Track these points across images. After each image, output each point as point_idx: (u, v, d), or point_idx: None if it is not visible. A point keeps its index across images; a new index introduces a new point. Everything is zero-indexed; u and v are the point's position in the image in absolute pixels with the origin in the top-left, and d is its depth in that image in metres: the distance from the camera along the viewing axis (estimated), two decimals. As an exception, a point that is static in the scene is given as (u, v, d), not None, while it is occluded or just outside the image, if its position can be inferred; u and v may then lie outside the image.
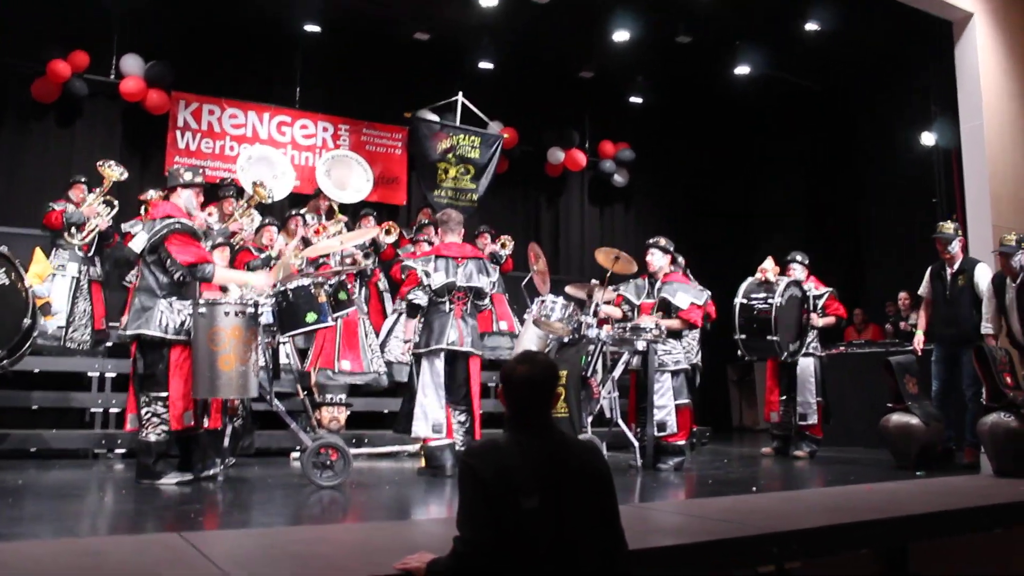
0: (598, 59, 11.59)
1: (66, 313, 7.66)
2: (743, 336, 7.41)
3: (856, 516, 4.05)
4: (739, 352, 7.63)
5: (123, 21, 9.64)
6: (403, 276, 6.76)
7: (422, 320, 6.35)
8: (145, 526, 4.04)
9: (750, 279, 7.60)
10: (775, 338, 7.22)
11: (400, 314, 8.62)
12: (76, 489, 5.30)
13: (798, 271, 8.01)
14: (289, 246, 7.91)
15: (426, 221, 9.43)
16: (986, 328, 6.91)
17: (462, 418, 6.30)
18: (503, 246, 9.56)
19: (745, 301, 7.44)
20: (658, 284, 6.95)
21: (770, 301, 7.25)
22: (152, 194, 7.96)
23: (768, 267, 7.62)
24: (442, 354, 6.17)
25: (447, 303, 6.23)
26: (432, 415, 6.09)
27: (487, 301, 6.69)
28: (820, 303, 8.02)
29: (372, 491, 5.49)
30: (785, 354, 7.44)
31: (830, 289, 8.14)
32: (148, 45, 9.66)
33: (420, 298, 6.21)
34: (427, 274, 6.19)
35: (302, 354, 7.91)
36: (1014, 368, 6.61)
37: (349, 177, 9.72)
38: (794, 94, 12.15)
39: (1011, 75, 9.32)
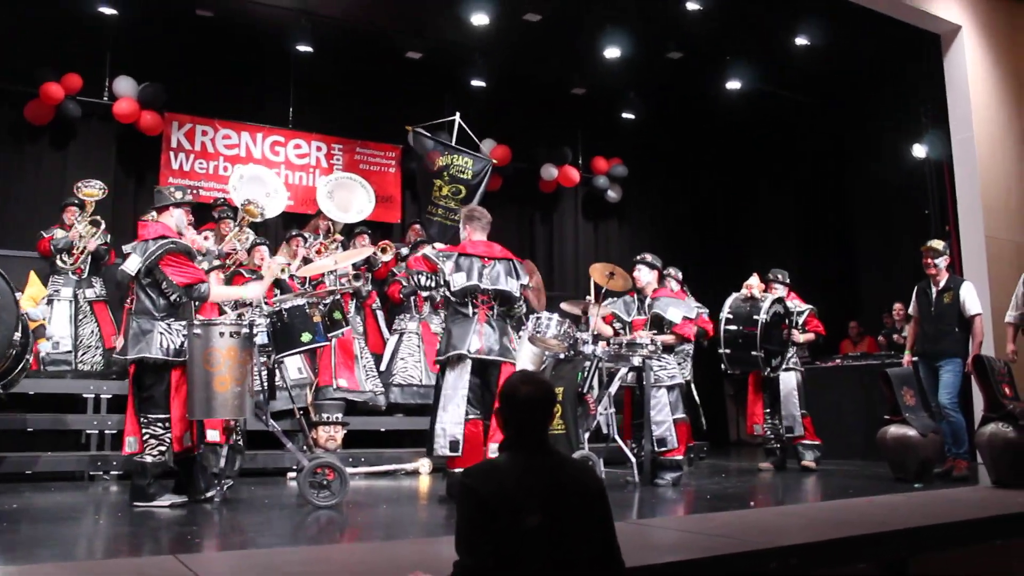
0: (590, 76, 11.64)
1: (72, 337, 7.69)
2: (728, 351, 7.49)
3: (855, 530, 4.04)
4: (722, 366, 7.68)
5: (116, 43, 9.65)
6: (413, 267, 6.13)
7: (443, 327, 5.91)
8: (141, 549, 4.00)
9: (735, 295, 7.68)
10: (759, 353, 7.31)
11: (401, 334, 8.61)
12: (72, 512, 5.27)
13: (779, 289, 8.14)
14: (275, 262, 7.87)
15: (419, 239, 9.41)
16: (1011, 316, 6.97)
17: None
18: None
19: (731, 316, 7.52)
20: (648, 300, 6.95)
21: (755, 317, 7.32)
22: (153, 214, 7.96)
23: (753, 283, 7.74)
24: (468, 363, 5.63)
25: (469, 307, 5.73)
26: (450, 431, 5.56)
27: (516, 310, 6.10)
28: (801, 319, 8.09)
29: (369, 511, 5.47)
30: (768, 369, 7.56)
31: (810, 307, 8.28)
32: (141, 66, 9.67)
33: (428, 279, 5.71)
34: (443, 272, 5.67)
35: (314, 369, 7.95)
36: (1012, 379, 6.63)
37: (352, 199, 9.72)
38: (785, 108, 12.20)
39: (1000, 86, 9.40)
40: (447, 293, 5.79)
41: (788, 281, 8.30)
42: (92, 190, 7.74)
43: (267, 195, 9.41)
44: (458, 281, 5.67)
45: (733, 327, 7.46)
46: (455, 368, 5.67)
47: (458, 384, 5.63)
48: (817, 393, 8.42)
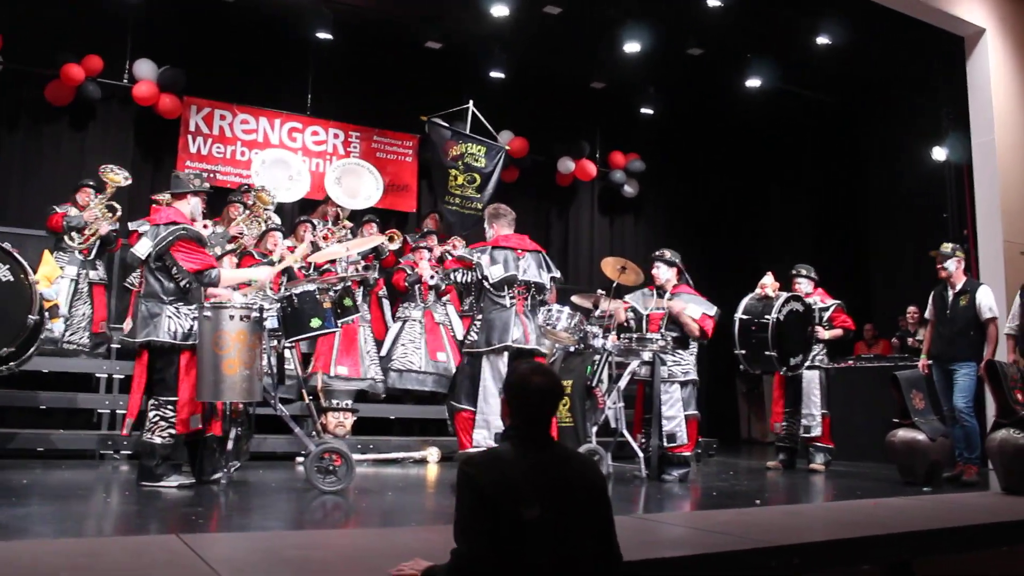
0: (609, 70, 11.60)
1: (64, 316, 7.69)
2: (743, 351, 7.45)
3: (860, 531, 4.02)
4: (740, 366, 7.66)
5: (136, 26, 9.69)
6: (444, 268, 6.31)
7: (479, 318, 5.90)
8: (145, 528, 4.04)
9: (750, 295, 7.63)
10: (772, 353, 7.25)
11: (404, 321, 8.62)
12: (80, 489, 5.32)
13: (804, 285, 8.04)
14: (297, 251, 7.89)
15: (431, 228, 9.43)
16: (1010, 328, 6.91)
17: None
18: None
19: (745, 317, 7.48)
20: (667, 296, 6.93)
21: (767, 317, 7.26)
22: (166, 196, 7.97)
23: (768, 282, 7.67)
24: (506, 354, 5.71)
25: (507, 298, 5.80)
26: (494, 423, 5.58)
27: (547, 296, 6.25)
28: (826, 315, 8.00)
29: (375, 497, 5.49)
30: (784, 368, 7.47)
31: (837, 302, 8.12)
32: (161, 50, 9.73)
33: (464, 275, 5.81)
34: (480, 266, 5.76)
35: (305, 359, 7.92)
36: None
37: (360, 185, 9.75)
38: (805, 108, 12.13)
39: (1023, 90, 9.29)
40: (486, 285, 5.82)
41: (814, 276, 8.17)
42: (116, 176, 7.73)
43: (290, 178, 9.46)
44: (496, 273, 5.77)
45: (748, 327, 7.43)
46: (492, 359, 5.72)
47: (497, 376, 5.67)
48: (830, 394, 8.36)
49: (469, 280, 5.88)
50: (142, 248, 5.39)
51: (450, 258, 8.80)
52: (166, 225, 5.44)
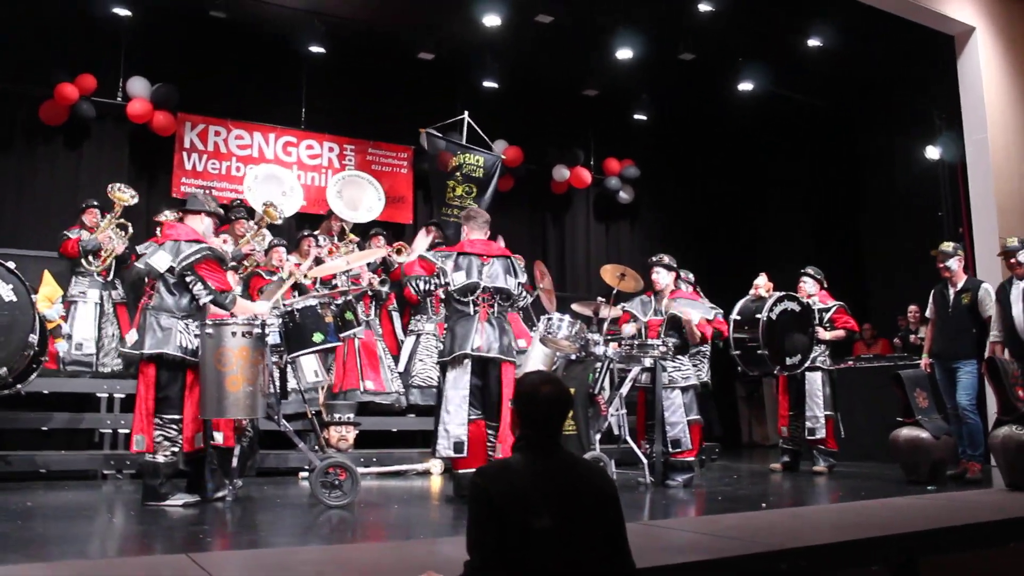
0: (601, 77, 11.63)
1: (94, 339, 7.74)
2: (738, 352, 7.53)
3: (866, 532, 4.03)
4: (738, 368, 7.69)
5: (129, 44, 9.71)
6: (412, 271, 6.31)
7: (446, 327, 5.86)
8: (153, 547, 4.03)
9: (745, 297, 7.70)
10: (764, 352, 7.30)
11: (418, 335, 8.62)
12: (85, 510, 5.31)
13: (808, 286, 8.08)
14: (303, 267, 7.90)
15: (437, 240, 9.43)
16: (994, 336, 6.91)
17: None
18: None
19: (738, 318, 7.54)
20: (665, 301, 6.94)
21: (758, 316, 7.29)
22: (168, 215, 7.96)
23: (760, 283, 7.75)
24: (468, 363, 5.62)
25: (471, 306, 5.72)
26: (454, 432, 5.55)
27: (518, 304, 6.15)
28: (827, 316, 8.02)
29: (381, 511, 5.48)
30: (777, 367, 7.52)
31: (838, 303, 8.14)
32: (154, 67, 9.73)
33: (426, 283, 5.68)
34: (444, 272, 5.68)
35: (329, 372, 7.96)
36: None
37: (361, 197, 9.75)
38: (798, 110, 12.16)
39: (1014, 87, 9.35)
40: (450, 292, 5.77)
41: (820, 278, 8.20)
42: (123, 195, 7.74)
43: (283, 194, 9.46)
44: (458, 279, 5.71)
45: (741, 328, 7.48)
46: (455, 368, 5.66)
47: (458, 384, 5.63)
48: (835, 396, 8.35)
49: (431, 288, 5.77)
50: (162, 261, 5.33)
51: (398, 265, 8.82)
52: (188, 243, 5.41)
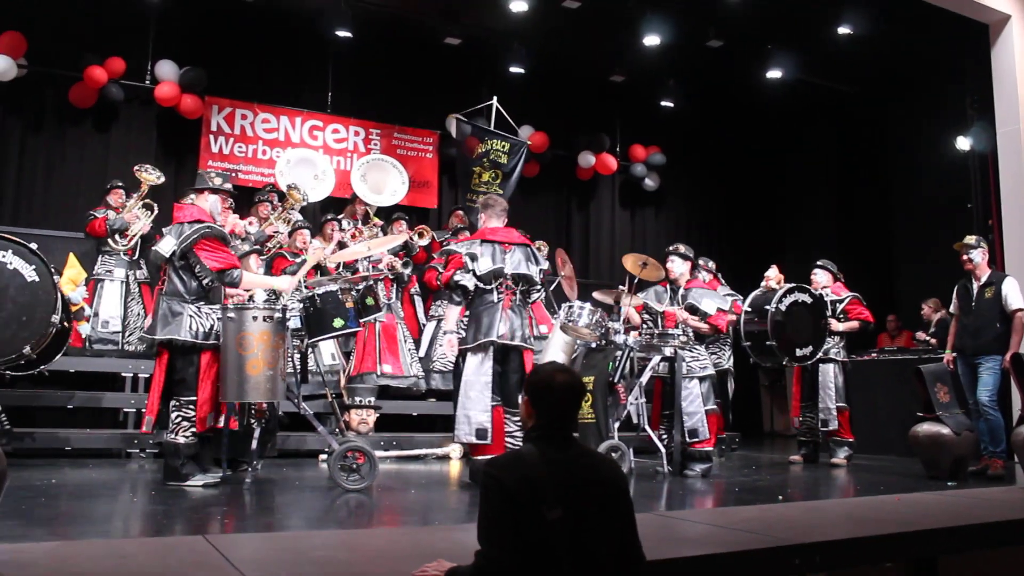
0: (629, 63, 11.56)
1: (120, 317, 7.85)
2: (748, 343, 7.55)
3: (882, 528, 4.00)
4: (750, 359, 7.72)
5: (158, 27, 9.78)
6: (444, 262, 6.21)
7: (467, 312, 5.87)
8: (172, 528, 4.09)
9: (757, 289, 7.73)
10: (772, 343, 7.31)
11: (439, 320, 8.66)
12: (107, 489, 5.39)
13: (820, 277, 8.05)
14: (320, 250, 7.94)
15: (460, 225, 9.46)
16: None
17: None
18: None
19: (749, 310, 7.58)
20: (681, 291, 6.92)
21: (767, 308, 7.27)
22: (193, 198, 8.02)
23: (772, 275, 7.76)
24: (491, 350, 5.65)
25: (495, 293, 5.73)
26: (476, 418, 5.56)
27: (538, 292, 6.16)
28: (840, 307, 7.96)
29: (398, 495, 5.52)
30: (787, 359, 7.52)
31: (852, 294, 8.09)
32: (182, 51, 9.80)
33: (468, 280, 5.64)
34: (472, 258, 5.67)
35: (346, 356, 8.02)
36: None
37: (385, 181, 9.78)
38: (826, 99, 12.04)
39: (1049, 79, 9.16)
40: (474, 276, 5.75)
41: (832, 270, 8.18)
42: (150, 175, 7.84)
43: (315, 177, 9.52)
44: (483, 266, 5.70)
45: (751, 320, 7.51)
46: (478, 354, 5.67)
47: (480, 371, 5.65)
48: (852, 387, 8.30)
49: (474, 282, 5.69)
50: (166, 246, 5.42)
51: (419, 249, 8.91)
52: (190, 223, 5.47)
